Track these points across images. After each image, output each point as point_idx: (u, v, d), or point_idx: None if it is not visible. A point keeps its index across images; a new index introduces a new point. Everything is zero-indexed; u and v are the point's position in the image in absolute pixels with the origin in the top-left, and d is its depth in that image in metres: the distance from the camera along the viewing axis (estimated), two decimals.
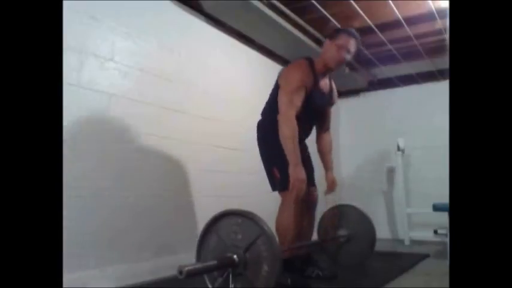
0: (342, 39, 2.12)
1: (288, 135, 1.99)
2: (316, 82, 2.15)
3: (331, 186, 2.40)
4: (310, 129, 2.37)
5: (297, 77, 2.07)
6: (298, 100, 2.05)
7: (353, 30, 2.20)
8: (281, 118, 2.02)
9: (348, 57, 2.15)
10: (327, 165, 2.44)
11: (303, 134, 2.23)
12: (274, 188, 2.15)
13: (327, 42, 2.19)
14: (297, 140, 2.01)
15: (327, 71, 2.21)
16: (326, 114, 2.41)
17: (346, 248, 2.60)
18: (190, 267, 1.40)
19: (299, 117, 2.05)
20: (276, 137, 2.07)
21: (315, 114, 2.28)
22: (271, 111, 2.16)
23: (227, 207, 1.66)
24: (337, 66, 2.18)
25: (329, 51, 2.15)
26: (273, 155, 2.12)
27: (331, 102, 2.39)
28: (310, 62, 2.17)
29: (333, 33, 2.19)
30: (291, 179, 1.95)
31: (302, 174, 1.96)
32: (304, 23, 3.15)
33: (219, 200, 2.68)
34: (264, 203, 2.50)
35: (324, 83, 2.25)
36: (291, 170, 1.96)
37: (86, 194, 1.97)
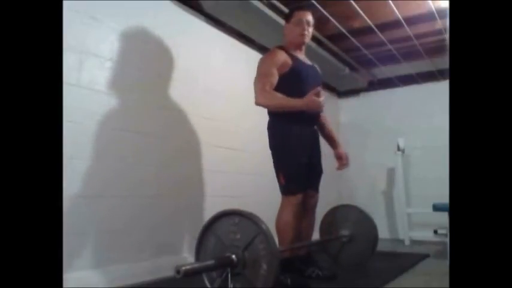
0: (296, 16, 2.23)
1: (275, 102, 2.06)
2: (293, 57, 2.20)
3: (345, 162, 2.41)
4: None
5: (266, 60, 2.16)
6: (271, 77, 2.08)
7: (304, 5, 2.36)
8: (259, 97, 2.06)
9: (310, 29, 2.25)
10: (335, 143, 2.45)
11: (314, 112, 2.23)
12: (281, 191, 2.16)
13: (285, 25, 2.29)
14: (284, 97, 2.04)
15: (297, 48, 2.27)
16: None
17: (347, 248, 2.60)
18: (187, 267, 1.40)
19: (301, 94, 2.08)
20: (278, 141, 2.11)
21: (313, 87, 2.23)
22: (269, 114, 2.21)
23: (227, 208, 1.65)
24: (303, 39, 2.24)
25: (290, 31, 2.25)
26: (278, 160, 2.15)
27: (320, 76, 2.39)
28: (281, 47, 2.24)
29: (288, 16, 2.30)
30: (307, 102, 2.03)
31: (309, 101, 2.04)
32: None
33: (219, 200, 2.68)
34: (264, 203, 2.50)
35: (303, 58, 2.30)
36: (307, 106, 2.04)
37: (86, 193, 1.98)
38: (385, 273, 2.35)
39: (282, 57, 2.15)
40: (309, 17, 2.24)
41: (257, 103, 2.10)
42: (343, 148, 2.45)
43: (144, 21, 2.40)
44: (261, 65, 2.17)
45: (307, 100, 2.05)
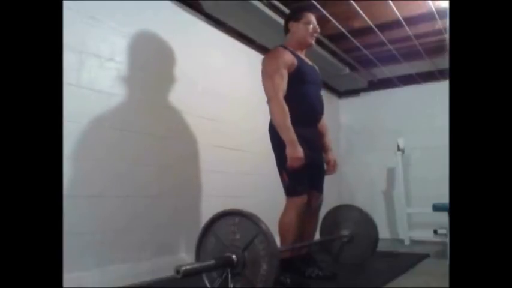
0: (307, 17, 2.28)
1: (279, 118, 2.05)
2: (297, 57, 2.21)
3: (331, 168, 2.39)
4: (322, 108, 2.32)
5: (275, 59, 2.15)
6: (282, 80, 2.09)
7: (305, 6, 2.55)
8: (270, 103, 2.08)
9: (316, 30, 2.30)
10: (326, 147, 2.42)
11: (316, 113, 2.26)
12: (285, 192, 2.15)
13: (293, 24, 2.30)
14: (288, 119, 2.04)
15: (302, 48, 2.31)
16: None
17: (348, 248, 2.60)
18: (187, 267, 1.40)
19: (304, 94, 2.15)
20: (281, 141, 2.09)
21: (315, 88, 2.29)
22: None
23: (227, 208, 1.65)
24: (311, 40, 2.29)
25: (299, 30, 2.27)
26: (281, 160, 2.13)
27: (320, 77, 2.41)
28: (285, 47, 2.25)
29: (297, 15, 2.32)
30: (288, 159, 2.00)
31: (298, 152, 1.99)
32: None
33: (219, 200, 2.67)
34: (265, 203, 2.51)
35: (305, 59, 2.32)
36: (287, 150, 2.00)
37: (86, 193, 1.98)
38: (385, 273, 2.35)
39: (290, 57, 2.15)
40: (315, 22, 2.30)
41: (270, 112, 2.11)
42: (334, 154, 2.42)
43: (144, 21, 2.40)
44: (270, 64, 2.14)
45: (296, 153, 1.98)
